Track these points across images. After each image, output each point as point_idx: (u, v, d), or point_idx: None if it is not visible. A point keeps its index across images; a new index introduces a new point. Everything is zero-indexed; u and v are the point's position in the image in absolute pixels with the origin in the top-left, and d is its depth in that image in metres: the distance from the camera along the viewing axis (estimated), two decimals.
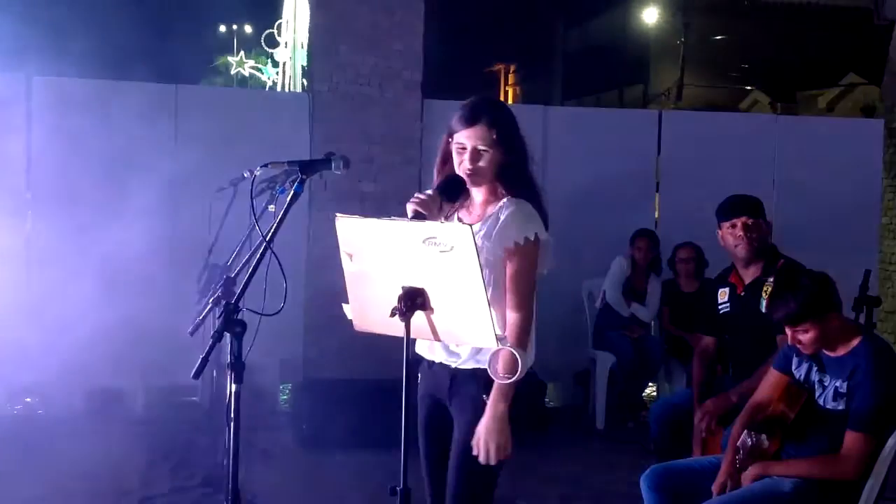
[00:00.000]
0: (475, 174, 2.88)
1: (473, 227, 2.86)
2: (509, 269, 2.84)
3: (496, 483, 2.94)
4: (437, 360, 2.99)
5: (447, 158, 2.97)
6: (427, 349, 3.01)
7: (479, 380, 2.85)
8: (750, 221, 4.32)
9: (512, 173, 2.91)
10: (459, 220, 2.95)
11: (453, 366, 2.93)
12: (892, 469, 3.35)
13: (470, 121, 2.87)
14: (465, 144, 2.88)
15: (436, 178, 3.02)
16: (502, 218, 2.85)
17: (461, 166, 2.89)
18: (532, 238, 2.83)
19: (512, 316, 2.83)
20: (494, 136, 2.86)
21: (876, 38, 10.47)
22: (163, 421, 6.46)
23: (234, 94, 10.45)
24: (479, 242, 2.81)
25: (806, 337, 3.41)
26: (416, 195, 2.79)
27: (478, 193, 2.96)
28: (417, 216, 2.73)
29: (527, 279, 2.85)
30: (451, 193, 2.87)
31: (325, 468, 5.61)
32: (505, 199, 2.89)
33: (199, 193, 5.49)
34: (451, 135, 2.94)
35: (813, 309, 3.37)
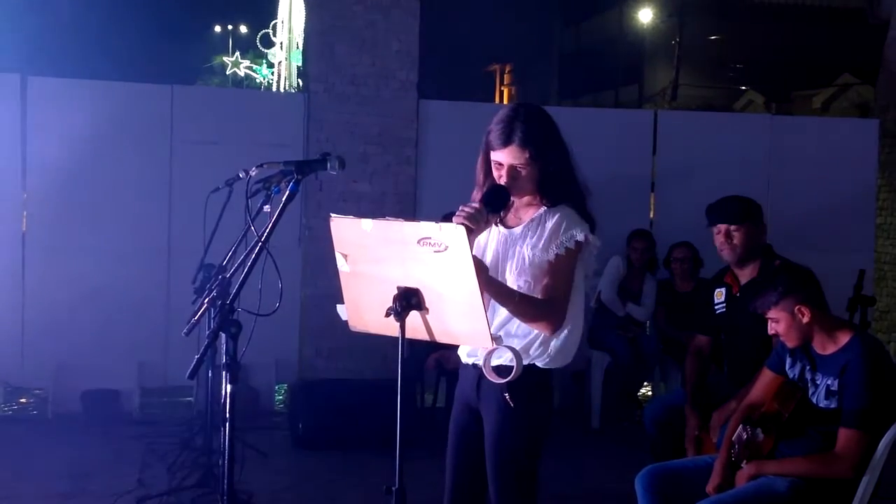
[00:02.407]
0: (515, 189, 2.88)
1: (514, 230, 2.89)
2: (550, 270, 2.83)
3: (535, 480, 2.94)
4: (465, 361, 3.00)
5: (488, 170, 2.95)
6: (459, 349, 3.02)
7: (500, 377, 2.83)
8: (732, 229, 4.34)
9: (552, 182, 2.90)
10: (507, 222, 2.94)
11: (476, 363, 2.92)
12: (886, 467, 3.36)
13: (504, 141, 2.86)
14: (502, 162, 2.88)
15: (478, 185, 2.99)
16: (549, 227, 2.85)
17: (500, 181, 2.89)
18: (574, 245, 2.83)
19: (539, 299, 2.81)
20: (528, 155, 2.85)
21: (870, 38, 10.51)
22: (158, 421, 6.46)
23: (230, 95, 10.45)
24: (517, 247, 2.84)
25: (778, 327, 3.46)
26: (462, 208, 2.74)
27: (521, 199, 2.95)
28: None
29: (564, 281, 2.83)
30: (497, 204, 2.84)
31: (320, 468, 5.61)
32: (544, 209, 2.88)
33: (195, 193, 5.49)
34: (487, 149, 2.93)
35: (777, 296, 3.42)
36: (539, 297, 2.81)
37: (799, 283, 3.46)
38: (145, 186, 6.72)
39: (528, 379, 2.83)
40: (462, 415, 3.05)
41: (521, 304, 2.77)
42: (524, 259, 2.85)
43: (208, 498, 4.75)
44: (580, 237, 2.84)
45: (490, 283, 2.69)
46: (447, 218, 2.75)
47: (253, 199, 2.88)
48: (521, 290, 2.83)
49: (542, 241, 2.84)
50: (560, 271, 2.83)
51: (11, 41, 16.98)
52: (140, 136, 6.71)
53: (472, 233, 2.66)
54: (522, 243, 2.87)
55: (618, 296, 6.79)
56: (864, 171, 7.94)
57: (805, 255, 4.44)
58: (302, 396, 6.21)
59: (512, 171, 2.87)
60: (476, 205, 2.76)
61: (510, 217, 2.96)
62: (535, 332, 2.85)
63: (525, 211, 2.94)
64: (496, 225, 2.94)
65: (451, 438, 3.07)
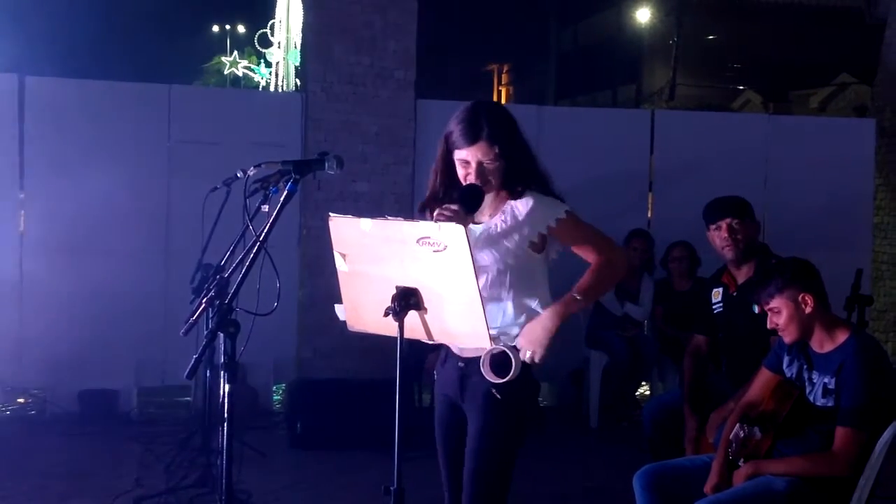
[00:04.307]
0: (485, 186, 2.88)
1: (488, 222, 2.88)
2: (571, 240, 2.91)
3: (510, 481, 2.93)
4: (449, 347, 2.98)
5: (450, 168, 2.93)
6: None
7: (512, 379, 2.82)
8: (735, 223, 4.34)
9: (519, 174, 2.90)
10: (475, 219, 2.94)
11: (462, 355, 2.91)
12: (884, 467, 3.36)
13: (471, 139, 2.85)
14: (469, 160, 2.87)
15: (434, 184, 3.00)
16: (525, 212, 2.85)
17: (467, 179, 2.88)
18: (564, 215, 2.85)
19: (609, 256, 2.92)
20: (497, 150, 2.85)
21: (868, 38, 10.51)
22: (157, 421, 6.46)
23: (228, 95, 10.44)
24: (490, 237, 2.84)
25: (779, 319, 3.45)
26: (441, 211, 2.75)
27: (491, 194, 2.95)
28: None
29: (593, 232, 2.93)
30: (472, 203, 2.83)
31: (318, 468, 5.61)
32: (511, 201, 2.88)
33: (193, 193, 5.48)
34: (450, 148, 2.91)
35: (782, 284, 3.41)
36: (594, 259, 2.90)
37: (802, 273, 3.47)
38: (143, 186, 6.71)
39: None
40: (445, 411, 3.04)
41: (601, 280, 2.91)
42: (501, 246, 2.84)
43: (206, 498, 4.75)
44: (567, 207, 2.88)
45: (587, 298, 2.87)
46: None
47: (251, 199, 2.88)
48: (501, 270, 2.84)
49: (523, 224, 2.85)
50: (583, 230, 2.91)
51: (10, 41, 16.97)
52: (138, 136, 6.71)
53: None
54: (498, 232, 2.86)
55: (615, 295, 6.79)
56: (862, 170, 7.95)
57: (802, 254, 4.39)
58: (300, 396, 6.21)
59: (480, 167, 2.86)
60: (454, 207, 2.75)
61: (480, 213, 2.95)
62: (514, 321, 2.86)
63: (493, 205, 2.94)
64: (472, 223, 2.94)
65: (440, 435, 3.06)
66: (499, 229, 2.86)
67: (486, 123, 2.85)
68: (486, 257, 2.85)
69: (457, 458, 3.00)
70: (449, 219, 2.70)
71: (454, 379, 2.95)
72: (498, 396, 2.83)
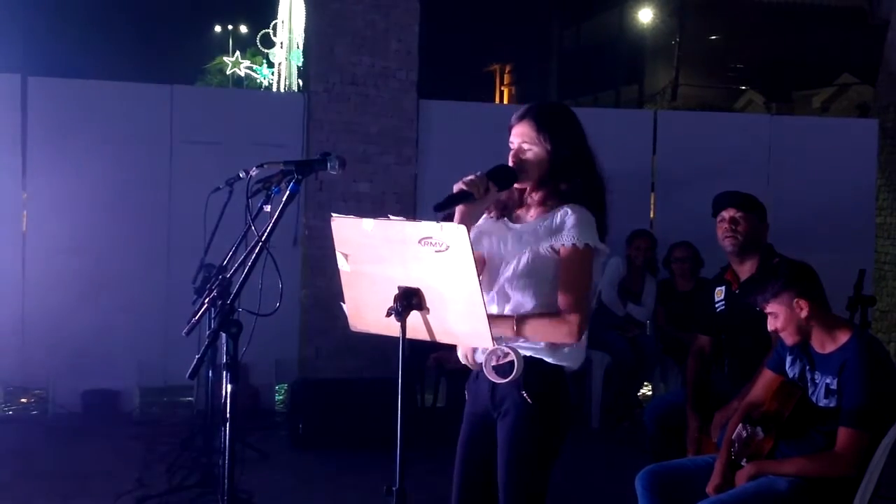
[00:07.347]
0: (519, 169, 2.88)
1: (520, 226, 2.87)
2: (562, 272, 2.78)
3: (545, 489, 2.91)
4: (476, 367, 2.95)
5: None
6: (459, 353, 2.96)
7: (515, 379, 2.80)
8: (738, 215, 4.34)
9: (563, 176, 2.86)
10: (516, 217, 2.93)
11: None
12: (886, 467, 3.36)
13: (520, 117, 2.91)
14: (513, 140, 2.92)
15: None
16: (559, 220, 2.80)
17: (510, 160, 2.92)
18: (584, 245, 2.77)
19: (566, 316, 2.76)
20: (538, 134, 2.86)
21: (870, 38, 10.51)
22: (158, 421, 6.46)
23: (230, 95, 10.44)
24: (524, 245, 2.81)
25: (777, 323, 3.45)
26: (465, 179, 2.74)
27: (536, 193, 2.91)
28: (462, 194, 2.70)
29: (580, 283, 2.78)
30: (502, 180, 2.82)
31: (320, 468, 5.61)
32: (566, 206, 2.82)
33: (195, 193, 5.49)
34: (509, 130, 2.96)
35: (776, 289, 3.41)
36: (560, 306, 2.77)
37: (798, 276, 3.46)
38: (145, 186, 6.72)
39: (542, 377, 2.81)
40: (474, 432, 2.98)
41: (544, 330, 2.76)
42: (531, 259, 2.81)
43: (208, 498, 4.75)
44: (594, 244, 2.80)
45: (518, 333, 2.75)
46: (448, 217, 2.74)
47: (253, 199, 2.88)
48: (529, 289, 2.79)
49: (552, 243, 2.79)
50: (576, 272, 2.78)
51: (12, 42, 16.99)
52: (140, 136, 6.71)
53: (469, 198, 2.70)
54: (533, 242, 2.82)
55: (618, 296, 6.79)
56: (864, 170, 7.95)
57: (805, 254, 4.42)
58: (302, 396, 6.21)
59: (519, 148, 2.89)
60: (479, 173, 2.77)
61: (526, 212, 2.93)
62: None
63: (539, 208, 2.90)
64: (498, 219, 2.92)
65: (462, 455, 3.00)
66: (537, 237, 2.81)
67: (539, 107, 2.93)
68: (519, 263, 2.81)
69: (476, 480, 2.95)
70: (469, 182, 2.72)
71: (486, 391, 2.90)
72: (529, 401, 2.80)
